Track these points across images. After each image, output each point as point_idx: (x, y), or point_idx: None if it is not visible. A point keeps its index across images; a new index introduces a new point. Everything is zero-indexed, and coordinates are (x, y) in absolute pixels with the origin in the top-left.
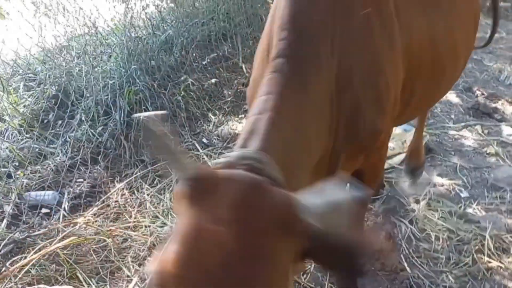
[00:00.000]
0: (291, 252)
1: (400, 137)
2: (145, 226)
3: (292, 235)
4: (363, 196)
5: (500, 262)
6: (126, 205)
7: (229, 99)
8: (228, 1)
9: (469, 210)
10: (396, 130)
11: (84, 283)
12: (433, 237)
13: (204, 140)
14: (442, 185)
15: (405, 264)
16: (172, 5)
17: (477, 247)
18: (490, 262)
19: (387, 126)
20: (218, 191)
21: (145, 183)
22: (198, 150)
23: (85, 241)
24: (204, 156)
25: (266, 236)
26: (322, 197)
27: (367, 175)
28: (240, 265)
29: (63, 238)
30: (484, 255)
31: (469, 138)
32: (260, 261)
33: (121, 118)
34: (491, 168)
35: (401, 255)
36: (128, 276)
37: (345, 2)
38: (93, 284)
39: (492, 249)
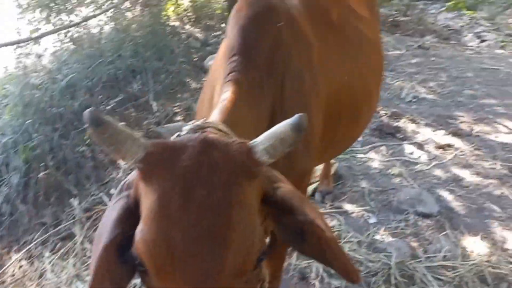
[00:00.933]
0: (257, 194)
1: None
2: None
3: (255, 175)
4: (298, 120)
5: None
6: (25, 278)
7: None
8: (135, 36)
9: (377, 237)
10: None
11: None
12: None
13: (113, 190)
14: (352, 213)
15: None
16: (73, 46)
17: (384, 277)
18: None
19: (313, 166)
20: (176, 158)
21: (46, 250)
22: (105, 204)
23: None
24: None
25: (233, 184)
26: (269, 133)
27: (270, 265)
28: (215, 220)
29: None
30: (391, 284)
31: (376, 160)
32: (235, 208)
33: (16, 181)
34: (396, 190)
35: None
36: None
37: (285, 51)
38: None
39: (398, 278)
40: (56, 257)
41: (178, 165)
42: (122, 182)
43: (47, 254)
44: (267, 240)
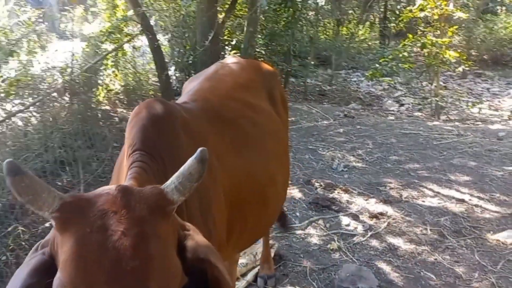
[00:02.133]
0: (173, 234)
1: (251, 251)
2: None
3: (168, 214)
4: (200, 153)
5: None
6: None
7: None
8: (63, 126)
9: None
10: None
11: None
12: None
13: None
14: None
15: None
16: None
17: None
18: None
19: (225, 255)
20: (92, 204)
21: None
22: None
23: None
24: None
25: (149, 221)
26: (176, 174)
27: None
28: (134, 253)
29: None
30: None
31: (314, 236)
32: (152, 241)
33: None
34: (336, 266)
35: None
36: None
37: (181, 147)
38: None
39: None
40: None
41: (94, 209)
42: (37, 243)
43: None
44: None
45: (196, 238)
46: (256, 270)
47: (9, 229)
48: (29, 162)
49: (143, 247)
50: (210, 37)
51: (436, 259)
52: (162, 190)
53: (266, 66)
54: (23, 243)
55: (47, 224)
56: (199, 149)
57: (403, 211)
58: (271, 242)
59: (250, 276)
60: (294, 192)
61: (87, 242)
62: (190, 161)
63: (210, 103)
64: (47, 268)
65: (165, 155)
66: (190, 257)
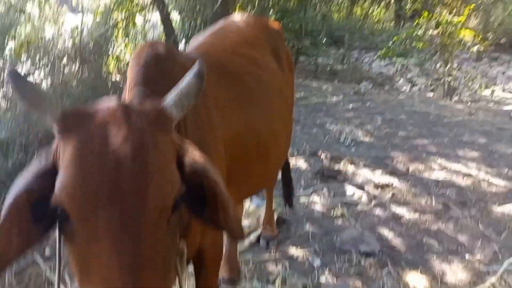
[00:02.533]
0: (172, 147)
1: (254, 214)
2: None
3: (168, 130)
4: (198, 68)
5: None
6: None
7: None
8: (74, 92)
9: (322, 280)
10: (250, 208)
11: None
12: None
13: (48, 253)
14: (297, 257)
15: None
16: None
17: None
18: None
19: None
20: (95, 114)
21: None
22: (38, 263)
23: None
24: (47, 270)
25: (149, 132)
26: (174, 90)
27: (206, 254)
28: (134, 160)
29: None
30: None
31: (318, 203)
32: (151, 150)
33: None
34: (339, 231)
35: None
36: None
37: None
38: None
39: None
40: None
41: (95, 119)
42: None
43: None
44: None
45: (194, 153)
46: (259, 231)
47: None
48: (40, 124)
49: (142, 154)
50: (220, 11)
51: (439, 227)
52: (162, 106)
53: (273, 24)
54: None
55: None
56: (196, 62)
57: (408, 183)
58: (274, 206)
59: (253, 237)
60: (299, 163)
61: (88, 148)
62: (188, 76)
63: (215, 57)
64: (49, 174)
65: (166, 93)
66: (188, 171)
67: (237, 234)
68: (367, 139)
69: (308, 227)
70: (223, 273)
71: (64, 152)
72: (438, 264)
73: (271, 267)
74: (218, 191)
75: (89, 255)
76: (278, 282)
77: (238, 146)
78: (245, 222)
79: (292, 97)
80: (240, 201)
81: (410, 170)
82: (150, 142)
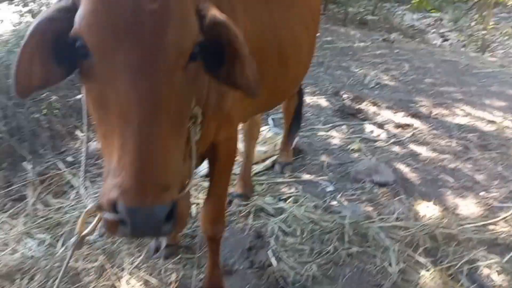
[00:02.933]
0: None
1: (272, 141)
2: None
3: None
4: None
5: (359, 247)
6: None
7: None
8: None
9: (333, 203)
10: (268, 134)
11: None
12: (299, 231)
13: (69, 158)
14: (310, 182)
15: (272, 259)
16: (31, 19)
17: (338, 235)
18: (350, 248)
19: (229, 106)
20: None
21: None
22: (59, 169)
23: None
24: (68, 176)
25: None
26: None
27: (220, 148)
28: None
29: None
30: (344, 242)
31: (336, 138)
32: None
33: None
34: (354, 163)
35: (269, 251)
36: None
37: None
38: None
39: (352, 235)
40: (6, 216)
41: None
42: None
43: None
44: None
45: (215, 11)
46: (275, 157)
47: (43, 95)
48: None
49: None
50: None
51: (457, 166)
52: None
53: None
54: (55, 111)
55: (78, 96)
56: None
57: (430, 125)
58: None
59: (268, 162)
60: (320, 101)
61: None
62: None
63: None
64: (70, 10)
65: None
66: (208, 23)
67: (253, 89)
68: (392, 83)
69: (323, 158)
70: (237, 188)
71: None
72: (451, 198)
73: (284, 188)
74: (238, 43)
75: (107, 93)
76: (289, 200)
77: (258, 46)
78: (262, 148)
79: (318, 10)
80: (256, 113)
81: (433, 114)
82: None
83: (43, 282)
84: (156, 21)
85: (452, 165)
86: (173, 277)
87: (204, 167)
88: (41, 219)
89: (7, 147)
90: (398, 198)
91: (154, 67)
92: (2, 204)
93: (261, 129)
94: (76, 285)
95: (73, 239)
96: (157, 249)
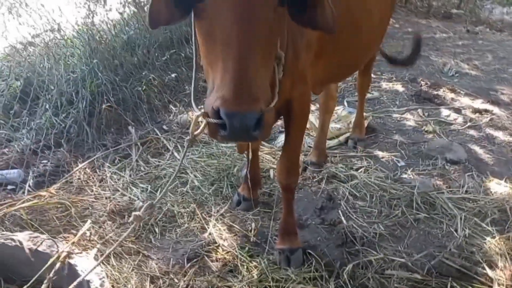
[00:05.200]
0: None
1: (346, 119)
2: (106, 198)
3: None
4: None
5: (427, 213)
6: (88, 181)
7: (189, 92)
8: None
9: (404, 176)
10: (342, 113)
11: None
12: (368, 196)
13: (164, 127)
14: (382, 157)
15: (342, 218)
16: (134, 9)
17: (406, 202)
18: (418, 214)
19: (303, 65)
20: None
21: (106, 162)
22: (157, 134)
23: (48, 205)
24: (164, 140)
25: None
26: None
27: (294, 104)
28: None
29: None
30: (412, 208)
31: (411, 120)
32: None
33: (84, 107)
34: (427, 143)
35: (339, 211)
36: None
37: None
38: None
39: (420, 203)
40: (115, 168)
41: None
42: None
43: (107, 165)
44: None
45: None
46: (348, 134)
47: (143, 74)
48: (160, 31)
49: None
50: None
51: None
52: None
53: None
54: (153, 87)
55: (173, 75)
56: None
57: (510, 112)
58: (365, 114)
59: (342, 138)
60: (397, 87)
61: None
62: None
63: None
64: None
65: None
66: None
67: (332, 28)
68: (473, 72)
69: (396, 137)
70: (311, 157)
71: None
72: None
73: (356, 161)
74: None
75: (215, 28)
76: (361, 170)
77: None
78: (337, 125)
79: None
80: (332, 82)
81: None
82: None
83: (146, 219)
84: None
85: None
86: (253, 225)
87: (281, 139)
88: (143, 173)
89: (116, 115)
90: (469, 174)
91: (252, 6)
92: (112, 160)
93: (336, 108)
94: (172, 224)
95: (188, 138)
96: (238, 203)
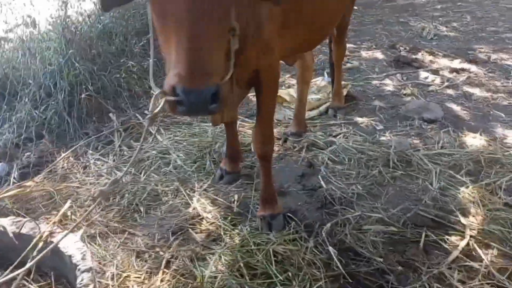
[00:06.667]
0: None
1: (326, 89)
2: (90, 183)
3: None
4: None
5: (403, 171)
6: (72, 169)
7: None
8: None
9: (382, 138)
10: (322, 83)
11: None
12: (347, 159)
13: (146, 112)
14: (362, 123)
15: (322, 183)
16: None
17: (383, 162)
18: (394, 172)
19: (267, 35)
20: None
21: (89, 149)
22: (138, 120)
23: (31, 193)
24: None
25: None
26: None
27: (262, 74)
28: None
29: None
30: (389, 167)
31: (390, 85)
32: None
33: (63, 97)
34: (404, 105)
35: (319, 177)
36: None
37: None
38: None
39: (396, 162)
40: (98, 154)
41: None
42: None
43: (90, 152)
44: None
45: None
46: (328, 103)
47: (122, 61)
48: (137, 18)
49: None
50: None
51: (510, 102)
52: None
53: None
54: (133, 74)
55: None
56: None
57: (487, 69)
58: (344, 82)
59: (322, 108)
60: (376, 54)
61: None
62: None
63: None
64: None
65: None
66: None
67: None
68: (451, 33)
69: (376, 102)
70: (291, 128)
71: None
72: (500, 130)
73: (336, 128)
74: None
75: (166, 5)
76: (340, 136)
77: None
78: (316, 96)
79: None
80: (301, 52)
81: (492, 58)
82: None
83: (130, 199)
84: None
85: (505, 102)
86: (236, 197)
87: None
88: (126, 157)
89: (96, 103)
90: (445, 130)
91: None
92: (95, 147)
93: (316, 79)
94: (157, 202)
95: (148, 116)
96: (221, 177)
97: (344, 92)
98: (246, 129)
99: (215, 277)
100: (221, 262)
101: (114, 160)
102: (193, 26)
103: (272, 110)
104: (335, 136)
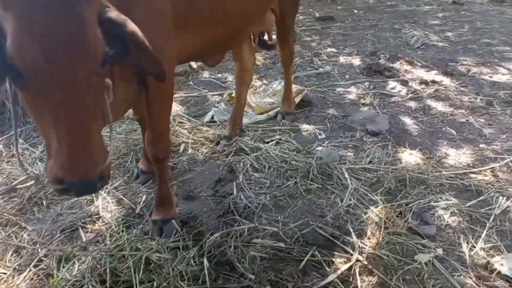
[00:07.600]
0: (95, 13)
1: (280, 93)
2: (8, 172)
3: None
4: None
5: (321, 184)
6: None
7: None
8: None
9: (318, 148)
10: (277, 87)
11: None
12: (266, 168)
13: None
14: (306, 130)
15: (235, 190)
16: None
17: (303, 173)
18: (311, 184)
19: (163, 42)
20: None
21: (20, 139)
22: None
23: None
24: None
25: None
26: None
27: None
28: (71, 24)
29: None
30: (308, 179)
31: (353, 93)
32: (81, 16)
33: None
34: (352, 115)
35: (234, 183)
36: None
37: None
38: None
39: (316, 174)
40: (28, 144)
41: None
42: None
43: (20, 141)
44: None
45: (114, 12)
46: (279, 108)
47: None
48: None
49: (75, 21)
50: None
51: (468, 120)
52: None
53: None
54: None
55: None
56: None
57: (460, 82)
58: (300, 87)
59: (272, 112)
60: (354, 60)
61: (30, 15)
62: None
63: None
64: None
65: None
66: (109, 27)
67: (160, 77)
68: (440, 44)
69: (331, 110)
70: (225, 131)
71: (6, 20)
72: (444, 148)
73: (276, 134)
74: (139, 39)
75: (40, 101)
76: (271, 143)
77: None
78: (269, 99)
79: None
80: (219, 53)
81: (471, 72)
82: (80, 10)
83: (34, 192)
84: (74, 54)
85: (463, 119)
86: (144, 198)
87: (209, 115)
88: None
89: None
90: (383, 145)
91: (74, 83)
92: (29, 136)
93: (273, 82)
94: (62, 197)
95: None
96: (137, 176)
97: (299, 97)
98: (183, 128)
99: (69, 280)
100: (87, 265)
101: (43, 151)
102: (72, 123)
103: (163, 112)
104: (267, 143)
